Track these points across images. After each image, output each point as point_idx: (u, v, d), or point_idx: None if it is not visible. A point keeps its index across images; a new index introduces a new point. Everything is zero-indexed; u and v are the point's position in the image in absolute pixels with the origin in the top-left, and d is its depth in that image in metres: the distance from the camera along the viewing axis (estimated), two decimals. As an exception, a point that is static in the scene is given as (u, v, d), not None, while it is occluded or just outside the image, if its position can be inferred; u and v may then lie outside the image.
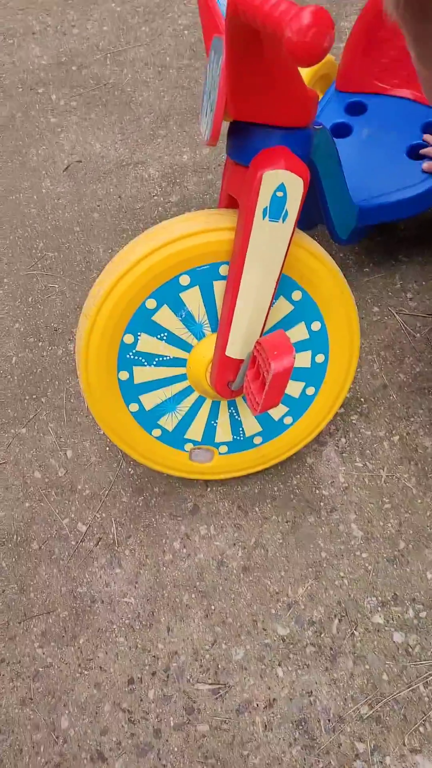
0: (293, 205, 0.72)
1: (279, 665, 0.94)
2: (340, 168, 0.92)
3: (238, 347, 0.82)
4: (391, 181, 1.13)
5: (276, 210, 0.72)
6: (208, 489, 1.11)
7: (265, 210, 0.72)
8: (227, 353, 0.83)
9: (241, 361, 0.84)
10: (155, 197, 1.57)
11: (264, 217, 0.72)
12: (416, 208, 1.12)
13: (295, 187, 0.71)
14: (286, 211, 0.73)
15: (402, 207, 1.12)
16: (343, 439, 1.13)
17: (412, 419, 1.14)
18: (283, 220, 0.73)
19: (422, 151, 1.14)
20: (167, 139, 1.69)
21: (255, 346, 0.80)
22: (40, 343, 1.34)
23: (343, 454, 1.12)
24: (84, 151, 1.71)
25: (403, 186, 1.12)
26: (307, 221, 1.14)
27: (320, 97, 1.35)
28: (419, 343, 1.22)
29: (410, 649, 0.93)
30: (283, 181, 0.70)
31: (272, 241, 0.74)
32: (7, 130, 1.81)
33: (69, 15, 2.14)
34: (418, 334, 1.24)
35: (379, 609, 0.97)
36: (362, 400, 1.17)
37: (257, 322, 0.80)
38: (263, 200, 0.71)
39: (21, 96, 1.91)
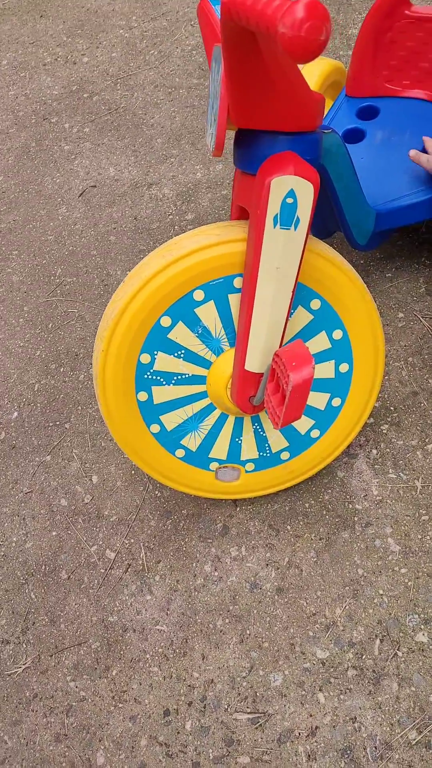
0: (305, 211, 0.70)
1: (320, 690, 0.90)
2: (353, 171, 0.89)
3: (257, 361, 0.79)
4: (408, 184, 1.10)
5: (287, 217, 0.70)
6: (237, 509, 1.08)
7: (275, 218, 0.70)
8: (246, 367, 0.80)
9: (262, 374, 0.81)
10: (170, 216, 1.56)
11: (275, 225, 0.70)
12: (436, 208, 1.09)
13: (306, 193, 0.69)
14: (298, 218, 0.70)
15: (421, 209, 1.08)
16: (375, 451, 1.09)
17: (445, 426, 1.09)
18: (295, 227, 0.71)
19: (412, 156, 1.08)
20: (180, 159, 1.69)
21: (273, 358, 0.77)
22: (61, 369, 1.33)
23: (376, 466, 1.07)
24: (98, 176, 1.72)
25: (421, 188, 1.09)
26: (324, 229, 1.11)
27: (330, 104, 1.33)
28: (448, 347, 1.18)
29: (459, 670, 0.88)
30: (292, 187, 0.68)
31: (285, 249, 0.72)
32: (22, 160, 1.84)
33: (78, 44, 2.17)
34: (447, 337, 1.20)
35: (423, 627, 0.92)
36: (392, 408, 1.13)
37: (275, 334, 0.78)
38: (273, 208, 0.69)
39: (34, 126, 1.94)
